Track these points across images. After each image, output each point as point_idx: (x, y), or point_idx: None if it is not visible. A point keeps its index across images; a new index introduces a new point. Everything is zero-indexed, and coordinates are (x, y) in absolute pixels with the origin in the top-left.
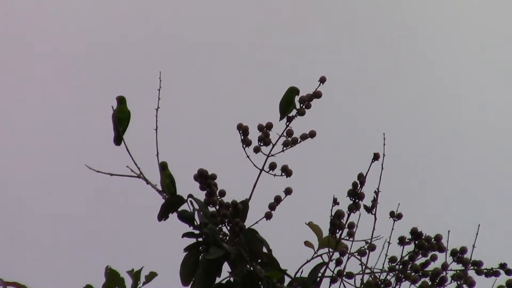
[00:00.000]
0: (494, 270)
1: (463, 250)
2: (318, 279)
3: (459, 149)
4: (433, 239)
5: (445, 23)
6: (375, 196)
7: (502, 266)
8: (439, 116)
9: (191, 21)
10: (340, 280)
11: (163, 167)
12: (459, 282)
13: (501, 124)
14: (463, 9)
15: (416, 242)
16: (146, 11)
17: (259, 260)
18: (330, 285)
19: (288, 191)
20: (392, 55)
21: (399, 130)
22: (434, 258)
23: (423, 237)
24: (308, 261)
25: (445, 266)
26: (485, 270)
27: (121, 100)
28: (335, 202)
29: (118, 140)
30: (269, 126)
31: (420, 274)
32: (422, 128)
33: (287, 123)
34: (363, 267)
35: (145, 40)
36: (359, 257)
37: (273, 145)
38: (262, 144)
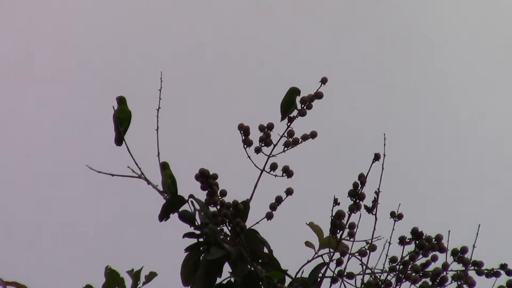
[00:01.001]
0: (494, 270)
1: (464, 250)
2: (319, 279)
3: (459, 149)
4: (433, 239)
5: (445, 23)
6: (376, 197)
7: (503, 266)
8: (439, 115)
9: (192, 23)
10: (340, 280)
11: (164, 167)
12: (459, 282)
13: (502, 124)
14: (460, 10)
15: (417, 242)
16: (146, 14)
17: (260, 260)
18: (330, 286)
19: (289, 192)
20: (392, 54)
21: (399, 130)
22: (434, 258)
23: (424, 237)
24: (308, 261)
25: (445, 266)
26: (485, 271)
27: (121, 100)
28: (336, 202)
29: (119, 140)
30: (270, 126)
31: (420, 274)
32: (422, 128)
33: (288, 124)
34: (364, 267)
35: (145, 42)
36: (359, 257)
37: (274, 146)
38: (263, 144)
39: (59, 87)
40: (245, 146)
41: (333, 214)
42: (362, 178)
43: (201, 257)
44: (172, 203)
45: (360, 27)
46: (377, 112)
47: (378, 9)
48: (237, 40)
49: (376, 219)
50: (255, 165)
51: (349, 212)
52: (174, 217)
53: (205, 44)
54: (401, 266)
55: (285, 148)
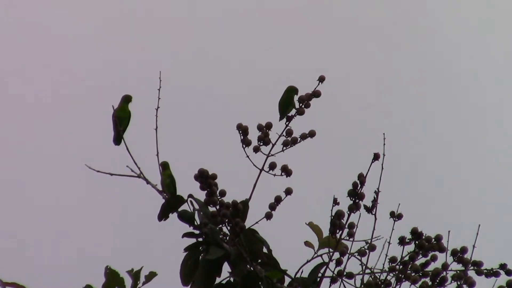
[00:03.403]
0: (494, 270)
1: (463, 250)
2: (318, 279)
3: (459, 149)
4: (433, 239)
5: (445, 23)
6: (375, 196)
7: (502, 266)
8: (439, 115)
9: (192, 22)
10: (340, 280)
11: (164, 166)
12: (459, 282)
13: (502, 123)
14: (454, 8)
15: (416, 242)
16: (145, 14)
17: (259, 260)
18: (330, 285)
19: (288, 191)
20: (392, 54)
21: (399, 130)
22: (434, 258)
23: (423, 237)
24: (308, 261)
25: (445, 266)
26: (485, 271)
27: (125, 99)
28: (335, 202)
29: (117, 139)
30: (269, 125)
31: (420, 274)
32: (422, 128)
33: (287, 123)
34: (363, 267)
35: (145, 41)
36: (359, 257)
37: (273, 145)
38: (261, 144)
39: (59, 87)
40: (244, 145)
41: (333, 214)
42: (362, 178)
43: (200, 256)
44: (171, 202)
45: (360, 24)
46: (377, 112)
47: (378, 9)
48: (236, 39)
49: (375, 219)
50: (254, 165)
51: (348, 212)
52: (173, 216)
53: (205, 44)
54: (400, 266)
55: (284, 148)
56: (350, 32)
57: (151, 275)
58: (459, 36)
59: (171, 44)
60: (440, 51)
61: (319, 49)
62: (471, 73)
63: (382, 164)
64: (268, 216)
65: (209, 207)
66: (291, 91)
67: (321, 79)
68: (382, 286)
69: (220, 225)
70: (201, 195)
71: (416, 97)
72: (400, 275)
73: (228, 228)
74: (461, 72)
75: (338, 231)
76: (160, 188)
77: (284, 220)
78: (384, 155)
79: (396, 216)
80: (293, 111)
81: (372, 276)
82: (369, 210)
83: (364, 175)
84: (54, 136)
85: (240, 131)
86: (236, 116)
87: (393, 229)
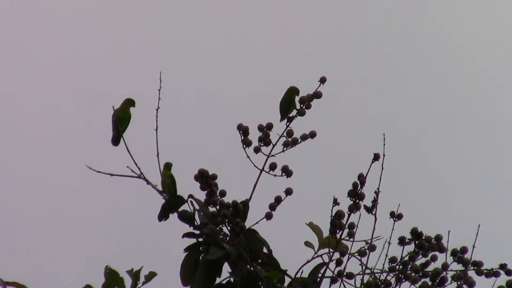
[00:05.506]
0: (494, 270)
1: (463, 250)
2: (318, 279)
3: (458, 149)
4: (433, 239)
5: (444, 25)
6: (375, 197)
7: (502, 266)
8: (438, 115)
9: (192, 22)
10: (340, 280)
11: (168, 167)
12: (459, 283)
13: (501, 123)
14: (453, 16)
15: (416, 242)
16: (145, 13)
17: (259, 261)
18: (330, 286)
19: (288, 192)
20: (392, 53)
21: (399, 130)
22: (434, 258)
23: (423, 237)
24: (308, 262)
25: (445, 266)
26: (485, 271)
27: (128, 102)
28: (335, 202)
29: (116, 140)
30: (269, 126)
31: (420, 274)
32: (422, 128)
33: (287, 124)
34: (363, 267)
35: (146, 40)
36: (359, 257)
37: (273, 146)
38: (262, 144)
39: (59, 86)
40: (245, 146)
41: (333, 214)
42: (362, 178)
43: (200, 257)
44: (172, 203)
45: (361, 24)
46: (376, 112)
47: (378, 10)
48: (236, 40)
49: (375, 219)
50: (254, 165)
51: (348, 212)
52: (173, 217)
53: (205, 44)
54: (400, 266)
55: (284, 148)
56: (351, 32)
57: (151, 275)
58: (460, 36)
59: (171, 44)
60: (442, 50)
61: (319, 49)
62: (471, 72)
63: (382, 164)
64: (268, 216)
65: (209, 207)
66: (292, 91)
67: (322, 80)
68: (382, 286)
69: (220, 225)
70: (201, 195)
71: (416, 97)
72: (400, 275)
73: (228, 228)
74: (461, 71)
75: (338, 231)
76: (160, 188)
77: (284, 220)
78: (384, 155)
79: (396, 216)
80: (294, 112)
81: (372, 276)
82: (369, 210)
83: (364, 175)
84: (54, 136)
85: (241, 132)
86: (237, 116)
87: (393, 229)
